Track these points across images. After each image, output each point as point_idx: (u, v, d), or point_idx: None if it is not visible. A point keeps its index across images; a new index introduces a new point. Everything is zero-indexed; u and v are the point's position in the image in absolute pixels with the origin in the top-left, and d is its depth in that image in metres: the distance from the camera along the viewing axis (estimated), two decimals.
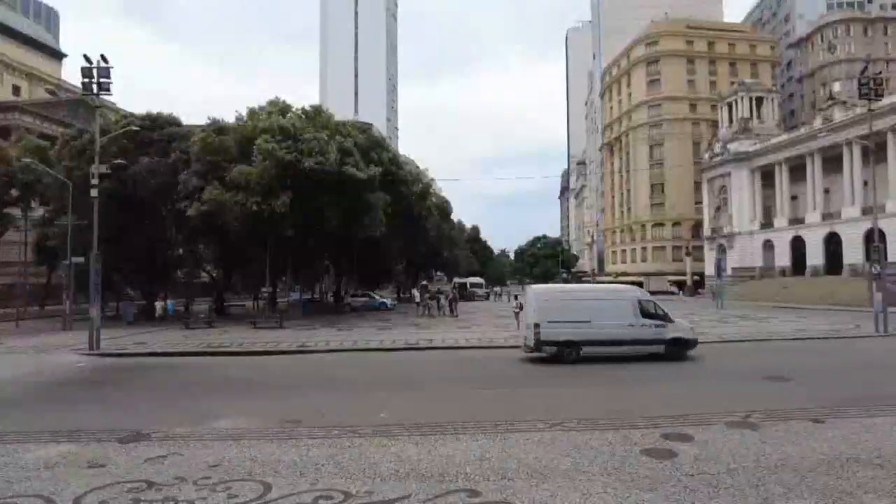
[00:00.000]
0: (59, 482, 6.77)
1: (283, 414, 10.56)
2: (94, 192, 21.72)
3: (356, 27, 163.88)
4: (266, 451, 8.05)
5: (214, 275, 45.71)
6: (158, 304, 36.60)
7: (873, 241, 26.15)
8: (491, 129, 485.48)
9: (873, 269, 26.23)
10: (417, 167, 53.06)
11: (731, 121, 75.40)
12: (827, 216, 57.36)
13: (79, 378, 15.66)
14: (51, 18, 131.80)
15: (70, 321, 29.37)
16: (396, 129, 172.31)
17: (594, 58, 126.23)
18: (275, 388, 13.67)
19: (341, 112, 49.21)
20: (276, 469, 7.19)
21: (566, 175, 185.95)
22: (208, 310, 33.65)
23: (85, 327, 22.31)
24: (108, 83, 21.52)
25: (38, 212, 40.23)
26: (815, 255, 58.04)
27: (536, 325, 16.73)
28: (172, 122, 34.76)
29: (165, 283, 41.77)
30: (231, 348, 21.09)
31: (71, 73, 75.62)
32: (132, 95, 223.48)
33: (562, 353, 16.65)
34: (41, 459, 7.72)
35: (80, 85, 22.17)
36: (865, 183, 50.36)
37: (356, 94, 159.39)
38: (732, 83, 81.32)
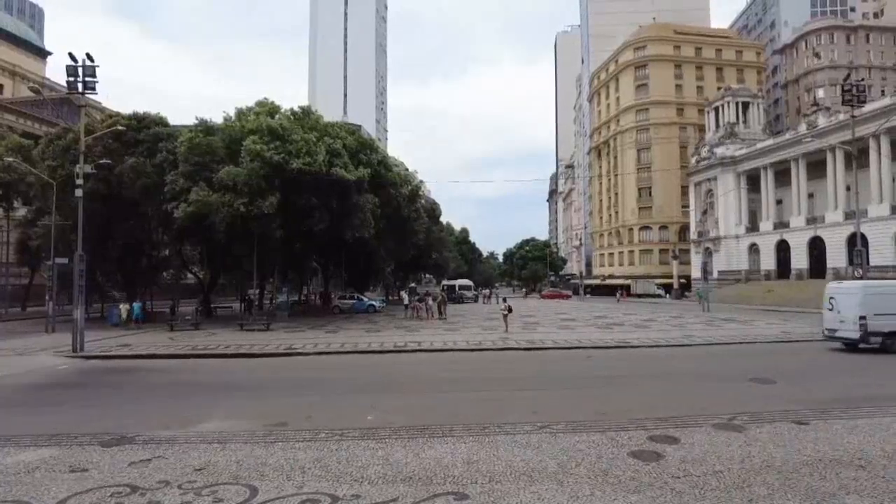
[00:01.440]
0: (39, 487, 6.66)
1: (269, 416, 10.47)
2: (78, 192, 21.44)
3: (345, 29, 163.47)
4: (252, 454, 7.98)
5: (201, 276, 45.30)
6: (123, 307, 32.16)
7: (856, 245, 26.52)
8: (481, 131, 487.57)
9: (856, 273, 26.63)
10: (406, 169, 53.07)
11: (717, 125, 76.23)
12: (811, 220, 58.15)
13: (61, 381, 15.43)
14: (35, 15, 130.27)
15: (53, 323, 28.96)
16: (385, 130, 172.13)
17: (583, 62, 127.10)
18: (261, 391, 13.56)
19: (330, 113, 49.07)
20: (262, 472, 7.13)
21: (555, 178, 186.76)
22: (194, 311, 33.32)
23: (68, 329, 22.03)
24: (94, 82, 21.29)
25: (21, 211, 39.73)
26: (800, 259, 58.80)
27: (863, 318, 18.58)
28: (159, 122, 34.41)
29: (151, 284, 41.36)
30: (217, 351, 20.89)
31: (56, 71, 74.91)
32: (118, 94, 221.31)
33: (886, 343, 18.56)
34: (21, 464, 7.59)
35: (64, 83, 21.89)
36: (848, 188, 51.11)
37: (345, 95, 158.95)
38: (719, 88, 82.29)
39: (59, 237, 30.24)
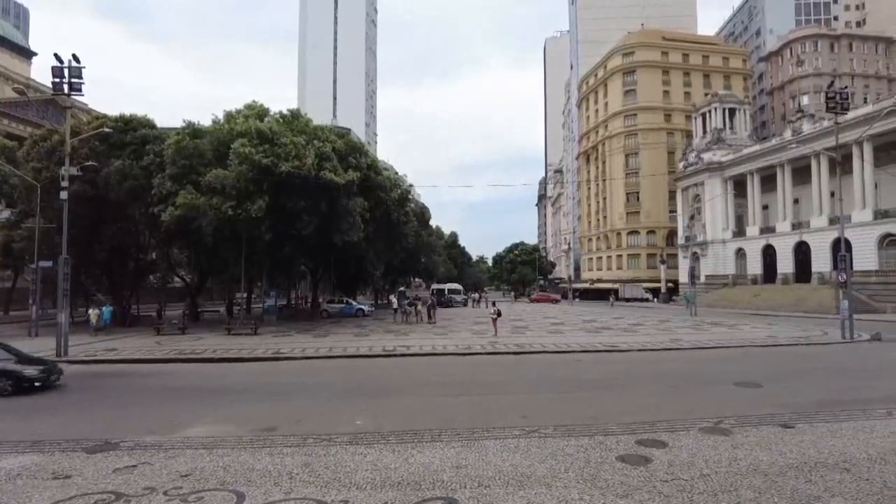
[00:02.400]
0: (21, 495, 6.56)
1: (257, 421, 10.39)
2: (63, 195, 21.19)
3: (335, 32, 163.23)
4: (239, 459, 7.92)
5: (188, 280, 44.93)
6: (92, 313, 29.90)
7: (840, 250, 26.87)
8: (471, 135, 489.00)
9: (839, 278, 26.95)
10: (396, 173, 53.09)
11: (704, 131, 76.98)
12: (796, 225, 58.85)
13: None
14: (20, 15, 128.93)
15: (36, 327, 28.53)
16: (375, 134, 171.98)
17: (571, 67, 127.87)
18: (249, 396, 13.46)
19: (319, 116, 48.93)
20: (249, 478, 7.07)
21: (544, 183, 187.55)
22: (181, 315, 33.00)
23: (52, 333, 21.74)
24: (80, 83, 21.04)
25: (4, 213, 39.16)
26: (786, 264, 59.45)
27: None
28: (146, 124, 34.09)
29: (138, 287, 40.94)
30: (204, 355, 20.70)
31: (41, 72, 74.15)
32: (105, 96, 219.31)
33: None
34: (3, 471, 7.47)
35: (50, 84, 21.64)
36: (833, 194, 51.80)
37: (335, 98, 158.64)
38: (706, 94, 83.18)
39: (44, 240, 29.84)
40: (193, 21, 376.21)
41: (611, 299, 70.99)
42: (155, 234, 35.75)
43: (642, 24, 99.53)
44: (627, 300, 79.24)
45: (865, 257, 48.26)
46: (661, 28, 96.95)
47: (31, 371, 14.02)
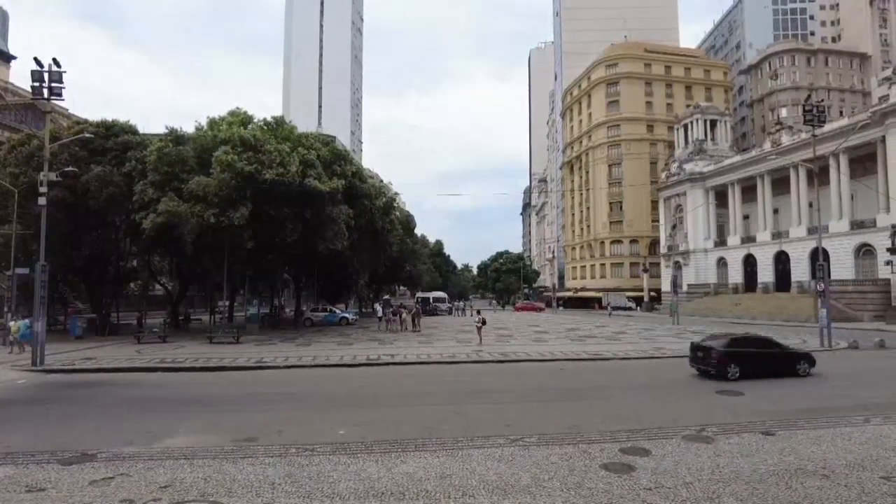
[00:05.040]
0: None
1: (238, 432, 10.25)
2: (41, 201, 20.82)
3: (321, 40, 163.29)
4: (220, 470, 7.79)
5: (170, 288, 44.31)
6: (13, 325, 24.95)
7: (818, 259, 27.38)
8: (456, 145, 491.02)
9: (818, 287, 27.43)
10: (381, 181, 53.09)
11: (686, 142, 78.12)
12: (776, 235, 59.84)
13: (18, 396, 14.85)
14: None
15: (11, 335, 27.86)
16: (360, 142, 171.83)
17: (555, 78, 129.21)
18: (230, 405, 13.27)
19: (305, 124, 48.78)
20: (230, 489, 6.96)
21: (528, 192, 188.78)
22: (162, 323, 32.48)
23: (28, 342, 21.24)
24: (60, 88, 20.73)
25: None
26: (766, 273, 60.36)
27: None
28: (128, 130, 33.68)
29: (117, 295, 40.26)
30: (185, 364, 20.40)
31: (20, 77, 73.00)
32: (87, 102, 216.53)
33: None
34: None
35: (29, 88, 21.28)
36: (811, 204, 52.82)
37: (320, 106, 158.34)
38: (688, 106, 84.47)
39: (20, 246, 29.26)
40: (176, 28, 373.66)
41: (608, 309, 69.89)
42: (136, 242, 35.24)
43: (626, 37, 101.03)
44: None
45: (843, 267, 49.22)
46: (644, 41, 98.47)
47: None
